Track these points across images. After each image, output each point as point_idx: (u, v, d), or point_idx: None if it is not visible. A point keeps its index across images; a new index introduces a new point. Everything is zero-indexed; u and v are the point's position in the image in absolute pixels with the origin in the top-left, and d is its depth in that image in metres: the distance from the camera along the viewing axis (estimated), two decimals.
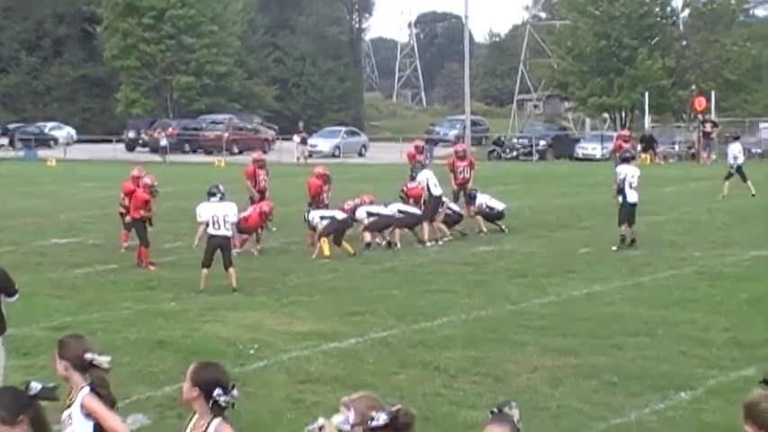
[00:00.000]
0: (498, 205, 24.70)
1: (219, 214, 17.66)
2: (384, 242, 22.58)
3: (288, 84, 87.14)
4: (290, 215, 25.17)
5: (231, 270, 17.60)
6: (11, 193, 36.61)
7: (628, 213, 21.73)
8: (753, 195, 30.88)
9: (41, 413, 4.88)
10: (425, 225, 22.85)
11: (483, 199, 24.73)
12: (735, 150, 32.22)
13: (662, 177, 40.11)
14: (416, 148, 29.02)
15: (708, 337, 13.50)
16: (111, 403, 6.28)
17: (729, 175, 31.30)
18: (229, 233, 17.80)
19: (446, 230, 23.32)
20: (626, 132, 41.05)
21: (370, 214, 22.39)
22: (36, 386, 4.88)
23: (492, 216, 24.53)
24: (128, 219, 21.36)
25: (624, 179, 21.88)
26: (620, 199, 21.81)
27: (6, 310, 10.55)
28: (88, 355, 6.22)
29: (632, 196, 21.86)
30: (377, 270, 19.50)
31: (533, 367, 12.14)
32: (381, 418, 4.73)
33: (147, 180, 21.28)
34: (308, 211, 21.86)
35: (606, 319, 14.69)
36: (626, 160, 22.83)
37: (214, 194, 18.20)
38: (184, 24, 74.39)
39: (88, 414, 6.12)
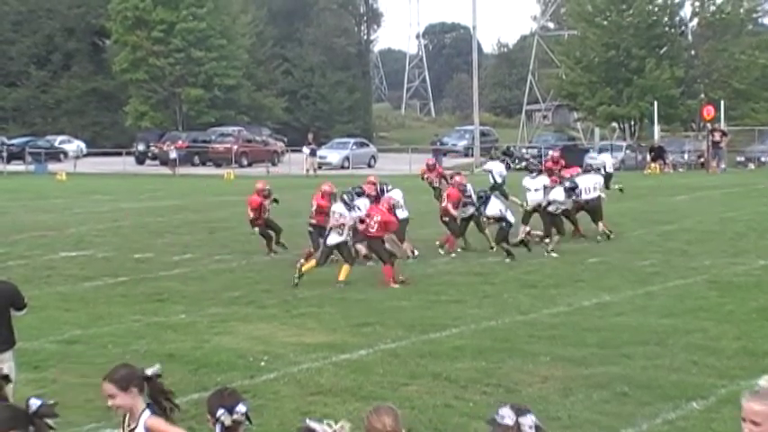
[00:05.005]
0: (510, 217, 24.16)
1: None
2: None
3: (297, 95, 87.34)
4: (300, 227, 25.12)
5: None
6: (21, 206, 36.71)
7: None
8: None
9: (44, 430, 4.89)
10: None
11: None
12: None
13: (672, 186, 40.09)
14: (428, 165, 29.15)
15: (719, 347, 13.45)
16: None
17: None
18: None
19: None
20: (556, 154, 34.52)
21: None
22: (35, 403, 4.89)
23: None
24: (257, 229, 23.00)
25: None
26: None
27: (16, 323, 10.55)
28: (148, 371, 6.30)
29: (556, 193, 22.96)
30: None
31: (544, 378, 12.10)
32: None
33: (258, 185, 23.21)
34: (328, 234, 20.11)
35: (616, 329, 14.65)
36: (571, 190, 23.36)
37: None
38: (194, 38, 74.68)
39: None
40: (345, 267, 19.27)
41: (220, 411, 5.67)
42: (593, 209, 24.52)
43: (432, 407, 10.95)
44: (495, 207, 22.22)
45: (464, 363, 12.84)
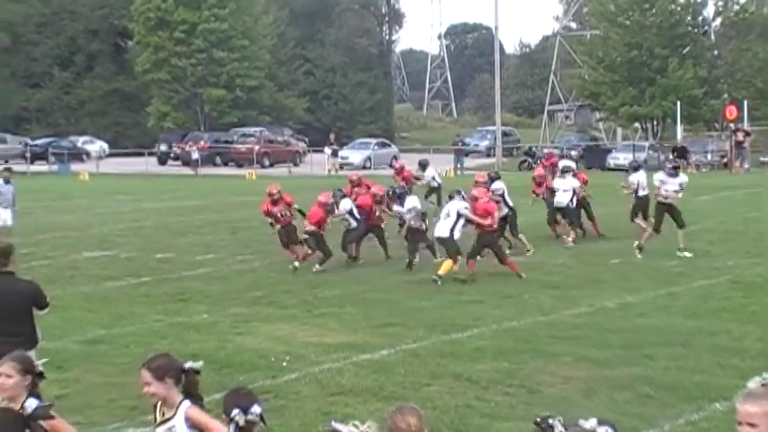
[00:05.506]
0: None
1: None
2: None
3: (318, 96, 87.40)
4: None
5: None
6: (44, 207, 36.87)
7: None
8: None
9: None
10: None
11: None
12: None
13: (695, 187, 39.76)
14: (395, 169, 29.07)
15: (742, 347, 13.38)
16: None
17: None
18: None
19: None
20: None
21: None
22: (31, 405, 4.91)
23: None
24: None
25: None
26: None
27: (39, 323, 10.59)
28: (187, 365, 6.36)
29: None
30: (407, 281, 19.47)
31: (566, 378, 12.07)
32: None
33: (267, 188, 22.31)
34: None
35: (639, 330, 14.59)
36: (636, 169, 24.81)
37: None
38: (216, 38, 74.87)
39: (192, 425, 6.18)
40: (448, 263, 19.31)
41: (235, 411, 5.69)
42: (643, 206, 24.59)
43: (453, 407, 10.93)
44: (411, 202, 22.20)
45: (485, 363, 12.82)
